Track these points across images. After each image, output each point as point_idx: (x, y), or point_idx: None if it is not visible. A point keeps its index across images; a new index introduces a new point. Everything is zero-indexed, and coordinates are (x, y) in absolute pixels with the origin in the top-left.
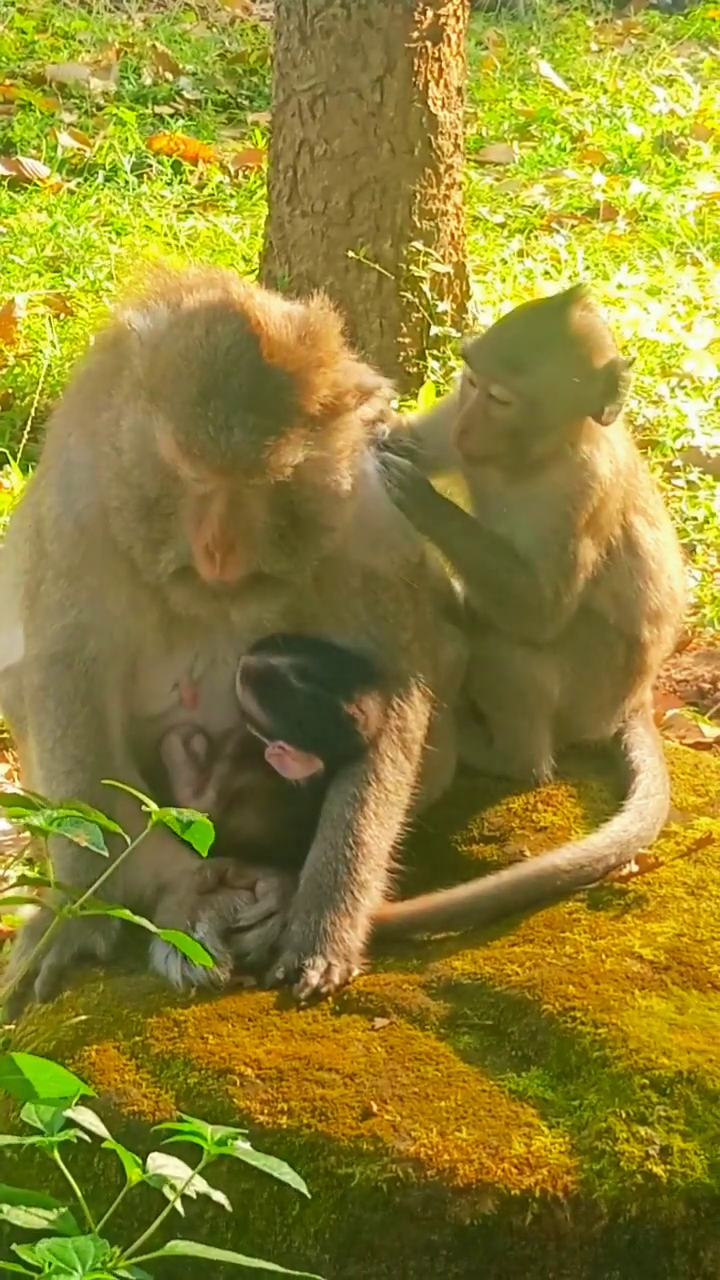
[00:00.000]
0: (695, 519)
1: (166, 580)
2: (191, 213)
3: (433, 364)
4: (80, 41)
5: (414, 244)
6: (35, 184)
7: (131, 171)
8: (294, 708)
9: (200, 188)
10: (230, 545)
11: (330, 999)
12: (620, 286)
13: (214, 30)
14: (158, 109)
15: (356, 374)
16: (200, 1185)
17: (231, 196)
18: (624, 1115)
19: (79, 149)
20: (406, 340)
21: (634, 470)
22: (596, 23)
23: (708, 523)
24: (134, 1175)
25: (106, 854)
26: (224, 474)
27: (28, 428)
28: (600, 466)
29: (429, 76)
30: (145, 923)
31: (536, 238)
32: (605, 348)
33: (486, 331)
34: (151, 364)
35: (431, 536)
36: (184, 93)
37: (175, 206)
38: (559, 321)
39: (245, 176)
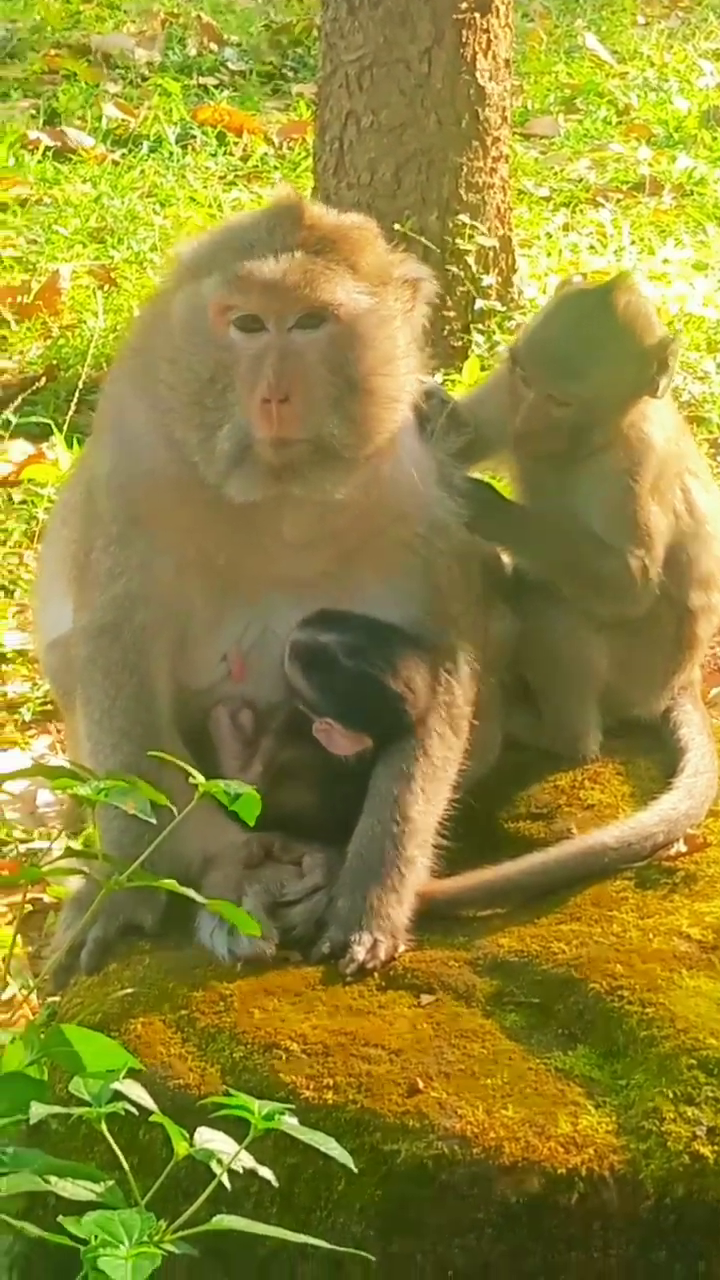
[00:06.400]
0: None
1: (224, 468)
2: (236, 184)
3: (477, 338)
4: (125, 12)
5: (460, 217)
6: (80, 154)
7: (176, 142)
8: (342, 686)
9: (244, 159)
10: (285, 394)
11: (376, 975)
12: (666, 261)
13: (259, 1)
14: (202, 80)
15: (401, 259)
16: (247, 1160)
17: (276, 168)
18: (671, 1095)
19: (124, 119)
20: (451, 314)
21: (683, 433)
22: None
23: None
24: (181, 1149)
25: (154, 823)
26: (272, 293)
27: (74, 399)
28: (654, 436)
29: (477, 48)
30: (192, 893)
31: (582, 211)
32: (654, 327)
33: (534, 330)
34: (196, 252)
35: (513, 545)
36: (229, 63)
37: (220, 178)
38: (607, 314)
39: (289, 148)
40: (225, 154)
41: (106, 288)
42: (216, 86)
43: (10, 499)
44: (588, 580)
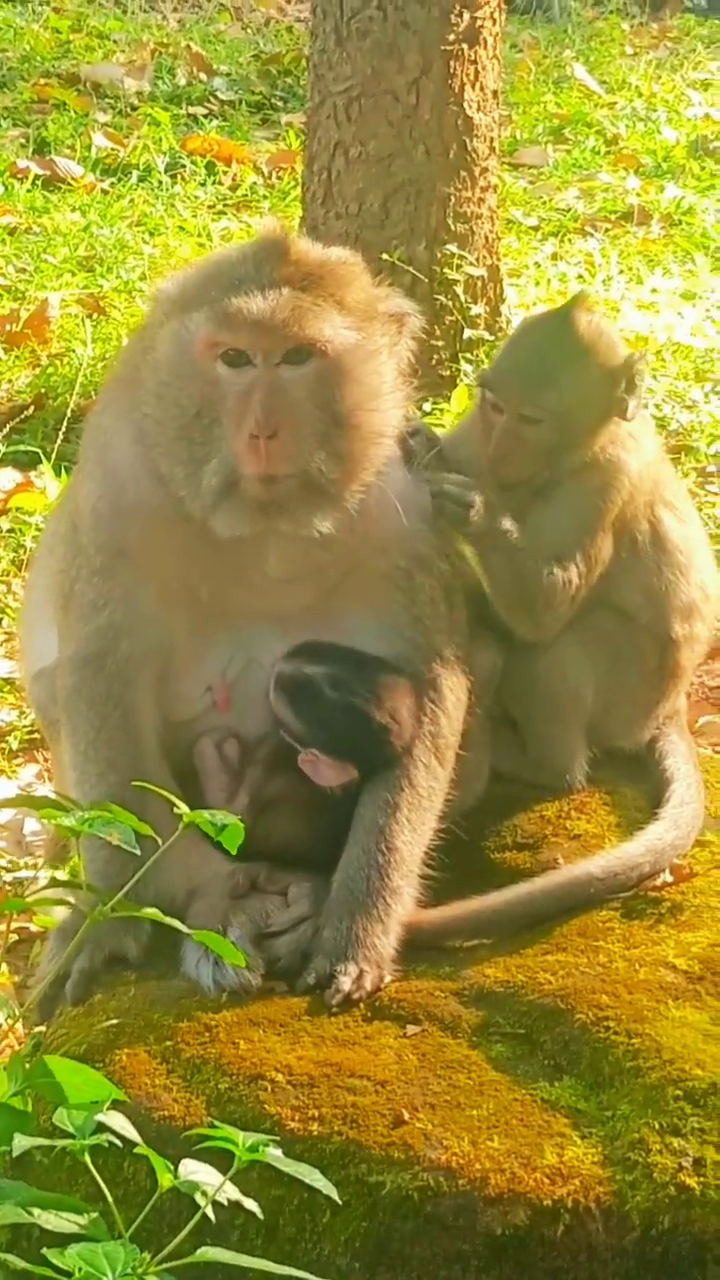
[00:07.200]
0: None
1: (211, 502)
2: (225, 213)
3: (466, 367)
4: (115, 41)
5: (448, 247)
6: (69, 184)
7: (165, 172)
8: (327, 717)
9: (234, 188)
10: (273, 429)
11: (362, 1005)
12: (654, 291)
13: (248, 31)
14: (192, 109)
15: (386, 294)
16: (231, 1192)
17: (265, 198)
18: (657, 1126)
19: (113, 149)
20: (440, 343)
21: (661, 464)
22: (632, 26)
23: None
24: (165, 1181)
25: (139, 854)
26: (260, 330)
27: (62, 428)
28: (628, 463)
29: (465, 79)
30: (177, 924)
31: (570, 241)
32: (618, 346)
33: (500, 355)
34: (182, 287)
35: (489, 551)
36: (218, 93)
37: (209, 207)
38: (570, 331)
39: (278, 178)
40: (214, 183)
41: (95, 316)
42: (206, 116)
43: None
44: (524, 588)
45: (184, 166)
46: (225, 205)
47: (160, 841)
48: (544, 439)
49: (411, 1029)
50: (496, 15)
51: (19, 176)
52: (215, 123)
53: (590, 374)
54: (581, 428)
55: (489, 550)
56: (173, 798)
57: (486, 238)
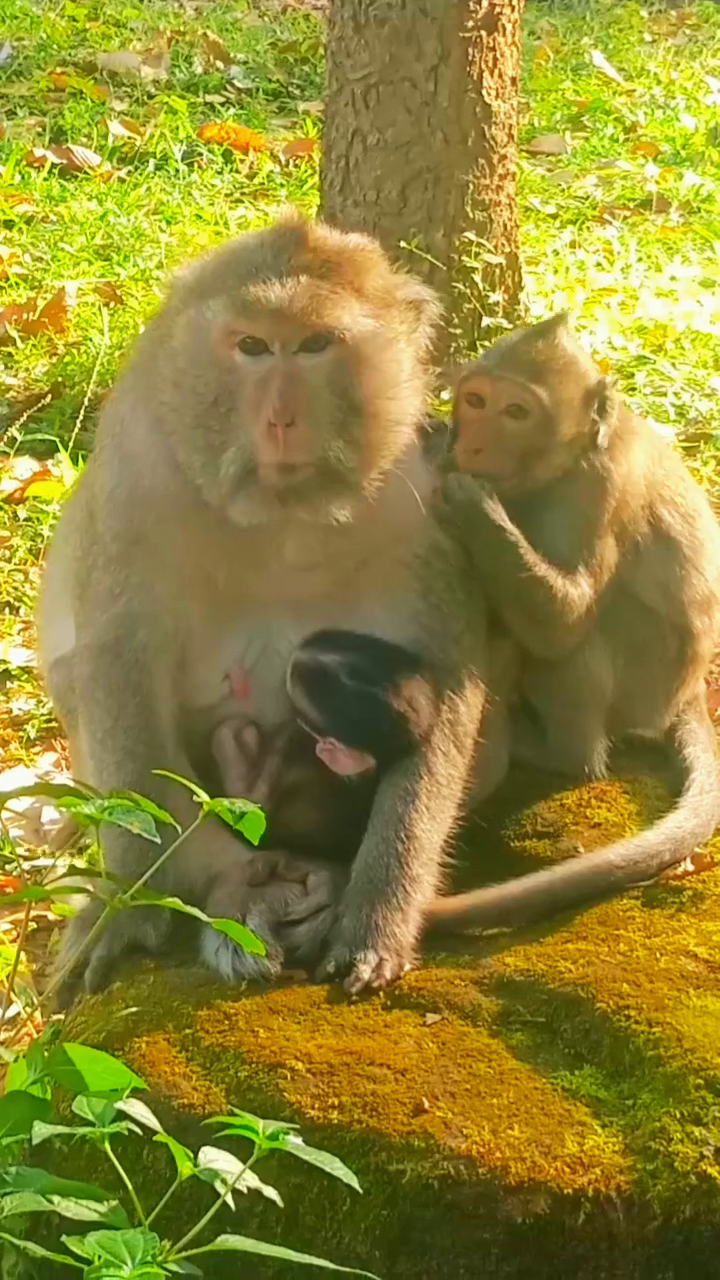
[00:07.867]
0: None
1: (229, 490)
2: (242, 202)
3: None
4: (131, 29)
5: (466, 234)
6: (86, 172)
7: (182, 160)
8: (344, 705)
9: (251, 177)
10: (291, 418)
11: (382, 994)
12: (673, 279)
13: (265, 19)
14: (209, 98)
15: (404, 281)
16: (251, 1180)
17: (282, 186)
18: (678, 1115)
19: (130, 137)
20: (458, 331)
21: (657, 465)
22: (650, 13)
23: None
24: (185, 1169)
25: (159, 842)
26: (278, 318)
27: (79, 416)
28: (613, 471)
29: (483, 66)
30: (197, 913)
31: (589, 229)
32: (592, 368)
33: (485, 354)
34: (199, 274)
35: (492, 551)
36: (235, 81)
37: (226, 195)
38: (554, 342)
39: (296, 166)
40: (231, 172)
41: (112, 305)
42: (223, 104)
43: (15, 516)
44: (531, 608)
45: (201, 155)
46: (242, 193)
47: (180, 830)
48: (525, 436)
49: (431, 1017)
50: (515, 2)
51: (36, 165)
52: (232, 111)
53: (571, 384)
54: (559, 435)
55: (497, 555)
56: (192, 785)
57: (505, 225)
